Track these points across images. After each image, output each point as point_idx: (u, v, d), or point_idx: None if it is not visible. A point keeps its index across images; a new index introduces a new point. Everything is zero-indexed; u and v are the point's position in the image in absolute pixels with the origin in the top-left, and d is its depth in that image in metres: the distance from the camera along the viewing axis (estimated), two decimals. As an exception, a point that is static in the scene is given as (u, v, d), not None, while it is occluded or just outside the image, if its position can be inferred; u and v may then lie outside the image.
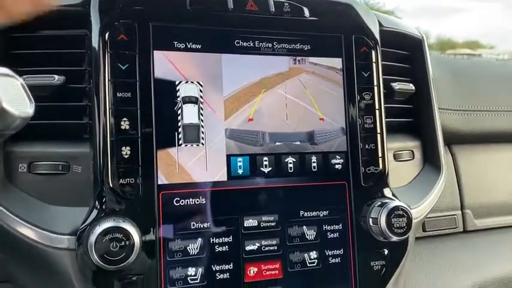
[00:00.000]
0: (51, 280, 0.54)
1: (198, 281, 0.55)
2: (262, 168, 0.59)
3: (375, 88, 0.65)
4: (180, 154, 0.56)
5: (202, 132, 0.57)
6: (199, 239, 0.55)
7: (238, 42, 0.60)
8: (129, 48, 0.55)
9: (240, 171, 0.58)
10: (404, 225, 0.60)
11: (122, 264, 0.50)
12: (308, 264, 0.60)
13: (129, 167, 0.53)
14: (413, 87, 0.75)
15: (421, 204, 0.67)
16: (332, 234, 0.61)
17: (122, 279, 0.52)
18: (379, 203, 0.62)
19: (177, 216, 0.55)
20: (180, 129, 0.56)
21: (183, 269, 0.54)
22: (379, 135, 0.64)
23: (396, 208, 0.60)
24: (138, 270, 0.52)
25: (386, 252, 0.63)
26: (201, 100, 0.57)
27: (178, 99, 0.56)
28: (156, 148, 0.55)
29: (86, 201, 0.54)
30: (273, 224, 0.59)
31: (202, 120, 0.57)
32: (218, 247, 0.56)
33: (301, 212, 0.60)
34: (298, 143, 0.61)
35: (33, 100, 0.44)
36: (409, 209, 0.61)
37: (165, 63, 0.56)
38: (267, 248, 0.58)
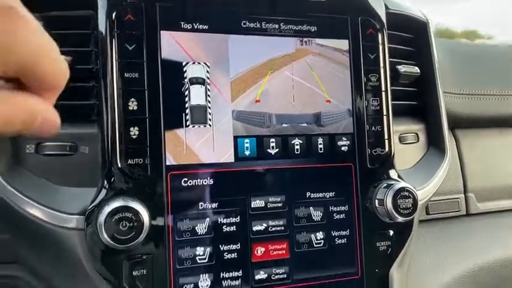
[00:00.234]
0: (59, 260, 0.55)
1: (206, 261, 0.55)
2: (269, 150, 0.59)
3: (381, 70, 0.65)
4: (187, 135, 0.56)
5: (210, 114, 0.57)
6: (207, 219, 0.56)
7: (245, 23, 0.59)
8: (136, 29, 0.54)
9: (247, 153, 0.58)
10: (410, 206, 0.61)
11: (131, 244, 0.50)
12: (315, 245, 0.60)
13: (137, 147, 0.53)
14: (418, 70, 0.75)
15: (426, 186, 0.67)
16: (338, 216, 0.62)
17: (131, 258, 0.52)
18: (385, 185, 0.62)
19: (186, 196, 0.55)
20: (187, 111, 0.56)
21: (191, 248, 0.55)
22: (385, 117, 0.64)
23: (402, 189, 0.61)
24: (147, 249, 0.53)
25: (391, 233, 0.63)
26: (208, 81, 0.57)
27: (186, 80, 0.56)
28: (164, 129, 0.55)
29: (93, 182, 0.54)
30: (279, 205, 0.59)
31: (209, 102, 0.57)
32: (226, 227, 0.56)
33: (308, 193, 0.61)
34: (304, 124, 0.61)
35: None
36: (415, 190, 0.62)
37: (172, 44, 0.56)
38: (274, 229, 0.59)
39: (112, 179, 0.52)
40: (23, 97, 0.27)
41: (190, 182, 0.55)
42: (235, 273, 0.56)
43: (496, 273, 0.82)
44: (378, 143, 0.64)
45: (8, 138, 0.54)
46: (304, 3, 0.62)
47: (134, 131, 0.53)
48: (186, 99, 0.56)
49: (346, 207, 0.62)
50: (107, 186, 0.52)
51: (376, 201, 0.62)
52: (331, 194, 0.62)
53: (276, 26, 0.61)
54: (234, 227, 0.57)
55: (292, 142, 0.60)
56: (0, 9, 0.25)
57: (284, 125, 0.60)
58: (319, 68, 0.62)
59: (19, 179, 0.53)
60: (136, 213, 0.50)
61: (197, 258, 0.55)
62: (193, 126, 0.56)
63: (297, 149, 0.61)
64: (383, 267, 0.63)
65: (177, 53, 0.56)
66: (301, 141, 0.61)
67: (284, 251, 0.59)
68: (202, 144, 0.56)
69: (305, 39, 0.62)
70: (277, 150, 0.60)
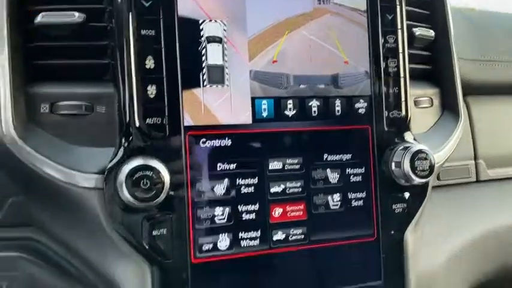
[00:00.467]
0: (76, 222, 0.54)
1: (224, 221, 0.55)
2: (286, 112, 0.59)
3: (399, 31, 0.64)
4: (205, 95, 0.55)
5: (227, 73, 0.56)
6: (226, 180, 0.55)
7: None
8: None
9: (265, 114, 0.58)
10: (427, 168, 0.60)
11: (151, 203, 0.50)
12: (331, 207, 0.60)
13: (155, 106, 0.52)
14: (433, 34, 0.74)
15: (442, 149, 0.67)
16: (355, 178, 0.61)
17: (150, 218, 0.52)
18: (402, 147, 0.62)
19: (204, 157, 0.55)
20: (204, 70, 0.55)
21: (210, 208, 0.55)
22: (402, 79, 0.64)
23: (419, 151, 0.61)
24: (167, 209, 0.52)
25: (407, 196, 0.63)
26: (225, 40, 0.56)
27: (202, 38, 0.55)
28: (181, 88, 0.54)
29: (111, 142, 0.53)
30: (297, 166, 0.59)
31: (226, 61, 0.56)
32: (244, 188, 0.56)
33: (325, 156, 0.60)
34: (322, 86, 0.60)
35: None
36: (431, 152, 0.61)
37: (189, 1, 0.54)
38: (291, 190, 0.58)
39: (130, 138, 0.51)
40: None
41: (208, 143, 0.55)
42: (254, 234, 0.56)
43: (505, 238, 0.82)
44: (395, 105, 0.64)
45: (23, 97, 0.53)
46: None
47: (152, 90, 0.52)
48: (203, 58, 0.55)
49: (363, 169, 0.62)
50: (125, 145, 0.51)
51: (393, 163, 0.61)
52: (348, 156, 0.61)
53: None
54: (252, 188, 0.57)
55: (310, 104, 0.60)
56: None
57: (302, 86, 0.59)
58: (337, 28, 0.61)
59: (35, 139, 0.52)
60: (157, 171, 0.49)
61: (216, 218, 0.55)
62: (211, 86, 0.55)
63: (314, 111, 0.60)
64: (398, 229, 0.63)
65: (194, 10, 0.55)
66: (318, 103, 0.60)
67: (301, 213, 0.59)
68: (220, 105, 0.56)
69: (323, -3, 0.61)
70: (294, 111, 0.59)
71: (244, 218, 0.56)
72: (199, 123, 0.54)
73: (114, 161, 0.51)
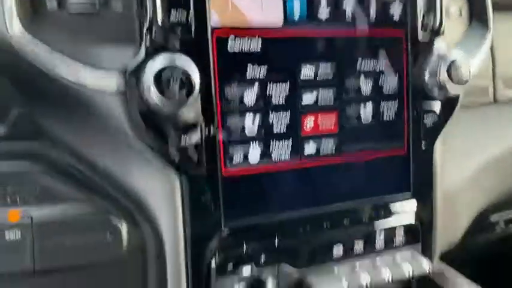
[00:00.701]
0: (94, 130, 0.49)
1: (255, 131, 0.51)
2: (319, 14, 0.53)
3: None
4: (233, -10, 0.49)
5: (257, -33, 0.50)
6: (256, 87, 0.51)
7: None
8: None
9: (297, 16, 0.52)
10: (466, 73, 0.57)
11: (181, 106, 0.45)
12: (362, 118, 0.57)
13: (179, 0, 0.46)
14: None
15: (474, 58, 0.64)
16: (387, 88, 0.58)
17: (177, 125, 0.47)
18: (437, 55, 0.58)
19: (232, 61, 0.50)
20: (232, -39, 0.49)
21: (240, 117, 0.51)
22: None
23: (455, 60, 0.57)
24: (195, 117, 0.48)
25: (438, 108, 0.61)
26: None
27: None
28: (207, -20, 0.47)
29: (130, 41, 0.47)
30: (330, 75, 0.55)
31: (256, -47, 0.50)
32: (275, 96, 0.52)
33: (358, 64, 0.56)
34: (357, -14, 0.55)
35: None
36: (466, 61, 0.58)
37: None
38: (323, 99, 0.54)
39: (154, 36, 0.46)
40: None
41: (236, 46, 0.50)
42: (285, 144, 0.53)
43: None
44: (429, 12, 0.59)
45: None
46: None
47: None
48: None
49: (395, 80, 0.58)
50: (148, 44, 0.46)
51: (427, 73, 0.58)
52: (381, 65, 0.57)
53: None
54: (284, 95, 0.52)
55: (344, 5, 0.54)
56: None
57: None
58: None
59: (43, 33, 0.45)
60: (186, 72, 0.45)
61: (246, 128, 0.51)
62: (240, -20, 0.49)
63: (348, 15, 0.55)
64: (428, 142, 0.61)
65: None
66: (353, 4, 0.55)
67: (333, 125, 0.55)
68: (250, 2, 0.50)
69: None
70: (328, 11, 0.54)
71: (275, 128, 0.52)
72: (227, 24, 0.49)
73: (137, 59, 0.45)
